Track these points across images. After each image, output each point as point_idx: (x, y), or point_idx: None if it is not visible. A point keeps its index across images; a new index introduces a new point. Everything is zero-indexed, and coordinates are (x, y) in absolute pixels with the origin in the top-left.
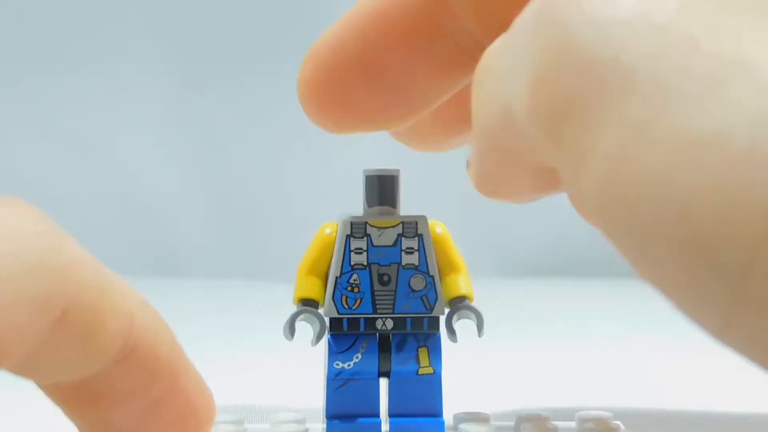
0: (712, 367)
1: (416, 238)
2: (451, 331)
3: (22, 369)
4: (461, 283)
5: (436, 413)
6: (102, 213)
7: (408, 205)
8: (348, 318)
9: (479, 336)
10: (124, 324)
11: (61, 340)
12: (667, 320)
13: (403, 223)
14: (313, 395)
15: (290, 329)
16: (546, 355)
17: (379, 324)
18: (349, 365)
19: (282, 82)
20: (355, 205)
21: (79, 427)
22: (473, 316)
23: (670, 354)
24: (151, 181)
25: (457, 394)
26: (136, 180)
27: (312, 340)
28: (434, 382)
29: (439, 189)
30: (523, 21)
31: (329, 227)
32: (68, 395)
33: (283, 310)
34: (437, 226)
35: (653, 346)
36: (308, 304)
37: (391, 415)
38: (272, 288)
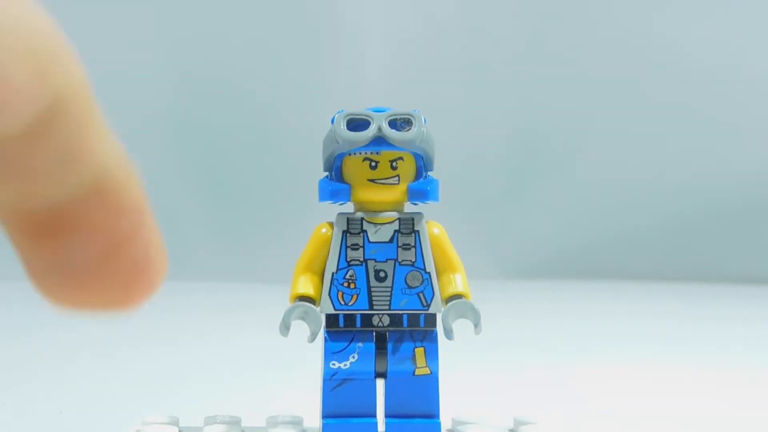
0: (717, 377)
1: (413, 235)
2: (448, 329)
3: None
4: (458, 281)
5: (433, 414)
6: None
7: (411, 206)
8: (344, 314)
9: (476, 334)
10: (103, 147)
11: (43, 142)
12: (670, 324)
13: (399, 219)
14: (310, 395)
15: (286, 325)
16: (545, 358)
17: (375, 320)
18: (345, 365)
19: (284, 86)
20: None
21: (27, 264)
22: (470, 314)
23: (668, 357)
24: (153, 185)
25: (455, 396)
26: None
27: (308, 338)
28: (431, 382)
29: (440, 190)
30: None
31: (325, 227)
32: (27, 225)
33: (281, 312)
34: (435, 227)
35: (650, 349)
36: (304, 301)
37: (387, 415)
38: (271, 290)
